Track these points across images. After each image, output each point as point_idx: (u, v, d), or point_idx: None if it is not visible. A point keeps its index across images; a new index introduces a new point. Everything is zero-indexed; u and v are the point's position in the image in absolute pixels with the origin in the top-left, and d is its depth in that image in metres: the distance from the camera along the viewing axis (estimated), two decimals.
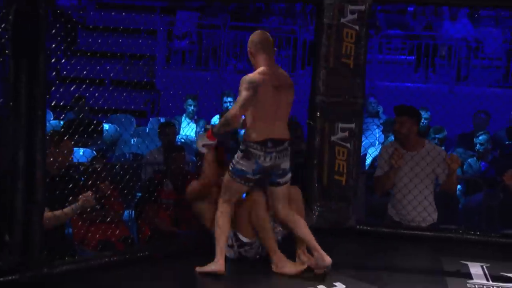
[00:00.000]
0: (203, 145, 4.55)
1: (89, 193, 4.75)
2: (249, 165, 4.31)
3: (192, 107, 8.63)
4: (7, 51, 3.91)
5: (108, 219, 5.34)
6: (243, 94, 4.24)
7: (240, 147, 4.36)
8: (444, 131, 7.49)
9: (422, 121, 7.68)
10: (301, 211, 4.67)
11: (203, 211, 4.71)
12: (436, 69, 11.19)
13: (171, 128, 6.98)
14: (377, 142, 7.98)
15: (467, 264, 4.84)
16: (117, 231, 5.46)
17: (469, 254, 5.02)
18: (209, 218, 4.61)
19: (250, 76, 4.33)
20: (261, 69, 4.36)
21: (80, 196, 4.74)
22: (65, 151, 4.97)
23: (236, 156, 4.35)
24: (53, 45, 4.87)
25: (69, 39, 9.68)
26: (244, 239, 4.56)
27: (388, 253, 5.08)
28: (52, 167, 4.75)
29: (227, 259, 4.42)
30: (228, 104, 8.40)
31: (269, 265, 4.47)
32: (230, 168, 4.36)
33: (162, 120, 8.47)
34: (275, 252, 4.42)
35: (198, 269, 4.31)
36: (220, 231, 4.38)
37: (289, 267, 4.39)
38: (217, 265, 4.28)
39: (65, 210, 4.71)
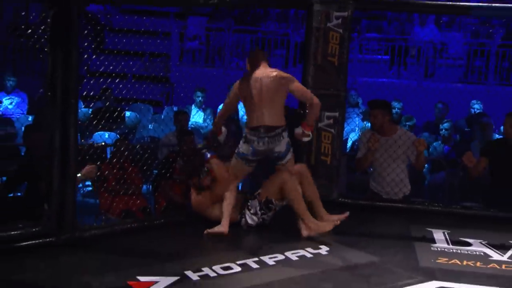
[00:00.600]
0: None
1: (93, 166, 4.59)
2: (247, 149, 4.43)
3: (200, 98, 8.60)
4: (45, 49, 3.92)
5: (130, 191, 5.36)
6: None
7: (243, 133, 4.50)
8: (413, 119, 7.49)
9: (396, 110, 7.72)
10: (311, 183, 4.68)
11: (205, 208, 4.68)
12: (408, 67, 11.16)
13: (184, 116, 6.97)
14: (357, 128, 7.96)
15: (431, 231, 4.87)
16: (137, 202, 5.48)
17: (434, 222, 5.05)
18: (209, 211, 4.66)
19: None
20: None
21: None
22: None
23: (240, 141, 4.49)
24: (85, 44, 4.85)
25: (98, 39, 9.64)
26: (276, 203, 4.62)
27: (365, 222, 5.09)
28: None
29: (232, 225, 4.50)
30: None
31: (269, 230, 4.57)
32: (236, 151, 4.50)
33: (175, 108, 8.46)
34: (308, 217, 4.44)
35: (206, 231, 4.41)
36: (227, 203, 4.49)
37: (323, 226, 4.44)
38: (222, 227, 4.41)
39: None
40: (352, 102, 8.84)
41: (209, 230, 4.41)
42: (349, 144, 7.67)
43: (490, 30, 11.08)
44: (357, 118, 8.32)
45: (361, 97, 9.01)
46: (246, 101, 4.47)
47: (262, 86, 4.40)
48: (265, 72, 4.46)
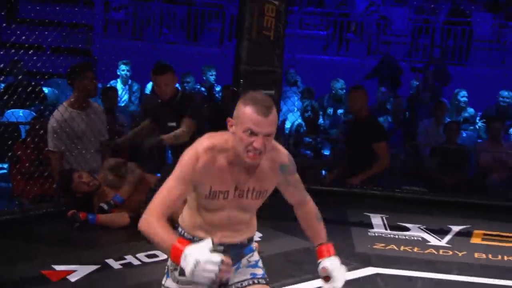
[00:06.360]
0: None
1: None
2: None
3: (126, 72, 8.41)
4: None
5: (46, 174, 5.24)
6: None
7: None
8: None
9: (338, 91, 7.93)
10: None
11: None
12: (350, 43, 11.30)
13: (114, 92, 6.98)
14: (295, 109, 8.04)
15: (369, 216, 5.02)
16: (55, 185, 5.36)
17: (372, 207, 5.21)
18: None
19: None
20: None
21: None
22: None
23: None
24: None
25: (9, 6, 9.31)
26: None
27: None
28: None
29: None
30: None
31: None
32: None
33: (99, 85, 8.28)
34: None
35: None
36: None
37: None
38: None
39: None
40: (290, 80, 8.93)
41: None
42: (287, 125, 7.74)
43: (432, 6, 11.35)
44: (295, 98, 8.41)
45: (299, 75, 9.11)
46: None
47: None
48: None
